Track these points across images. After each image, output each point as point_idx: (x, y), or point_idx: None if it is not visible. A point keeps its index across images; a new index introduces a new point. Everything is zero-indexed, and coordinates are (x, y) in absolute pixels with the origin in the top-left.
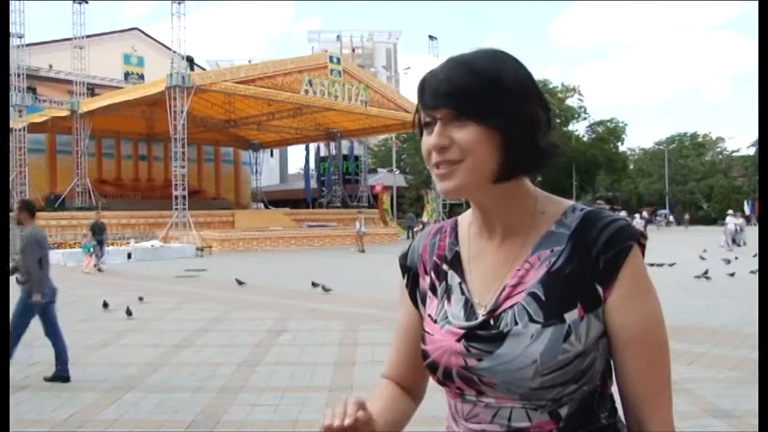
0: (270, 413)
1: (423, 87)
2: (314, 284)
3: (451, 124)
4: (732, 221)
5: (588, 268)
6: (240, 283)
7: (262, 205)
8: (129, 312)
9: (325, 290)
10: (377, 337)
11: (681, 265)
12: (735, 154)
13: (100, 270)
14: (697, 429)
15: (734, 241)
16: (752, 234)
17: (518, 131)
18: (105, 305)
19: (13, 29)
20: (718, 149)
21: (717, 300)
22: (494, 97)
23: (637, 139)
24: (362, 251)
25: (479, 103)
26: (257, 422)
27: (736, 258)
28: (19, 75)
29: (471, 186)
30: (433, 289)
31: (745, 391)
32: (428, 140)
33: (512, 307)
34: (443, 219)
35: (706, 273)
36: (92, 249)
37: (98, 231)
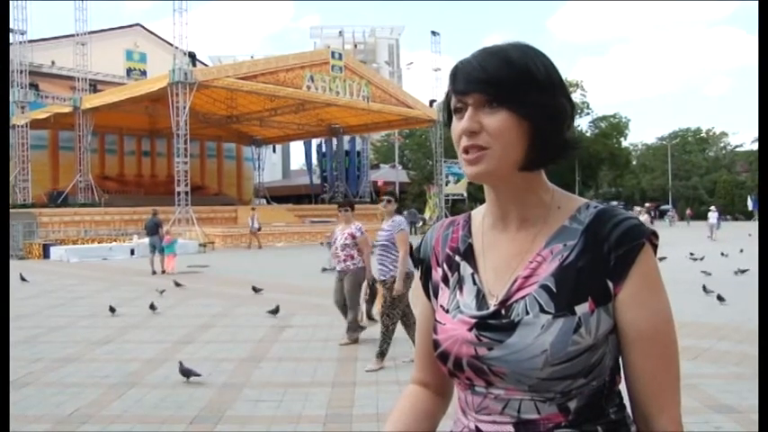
0: (273, 408)
1: (455, 74)
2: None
3: (482, 110)
4: (713, 216)
5: (600, 264)
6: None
7: (264, 201)
8: (112, 309)
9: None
10: None
11: (680, 260)
12: (738, 149)
13: (164, 272)
14: (700, 425)
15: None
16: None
17: (545, 122)
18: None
19: (15, 25)
20: (722, 145)
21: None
22: (525, 87)
23: (638, 135)
24: (248, 247)
25: (511, 91)
26: (260, 417)
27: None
28: (21, 71)
29: (497, 173)
30: (446, 280)
31: (748, 387)
32: (458, 125)
33: (523, 298)
34: (446, 214)
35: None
36: (175, 249)
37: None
